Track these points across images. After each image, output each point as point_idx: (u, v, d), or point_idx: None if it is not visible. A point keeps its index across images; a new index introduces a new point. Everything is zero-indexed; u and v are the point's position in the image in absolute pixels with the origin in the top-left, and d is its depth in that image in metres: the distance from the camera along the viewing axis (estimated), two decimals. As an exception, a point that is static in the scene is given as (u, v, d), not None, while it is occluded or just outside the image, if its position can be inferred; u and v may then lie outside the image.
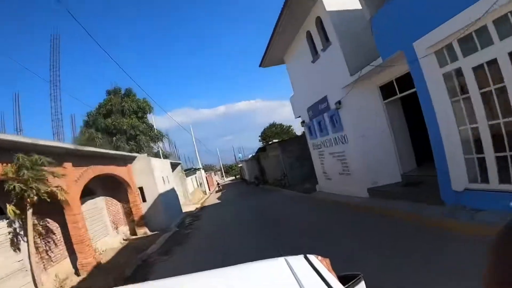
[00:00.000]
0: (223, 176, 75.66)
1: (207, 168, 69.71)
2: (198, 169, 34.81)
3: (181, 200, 22.90)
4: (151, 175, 13.81)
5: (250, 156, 34.05)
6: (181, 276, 1.70)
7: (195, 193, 27.65)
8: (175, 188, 19.72)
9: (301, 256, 1.38)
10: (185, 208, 20.16)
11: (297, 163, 18.30)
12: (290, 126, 48.74)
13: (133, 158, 13.72)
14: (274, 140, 25.60)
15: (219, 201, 23.01)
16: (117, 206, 13.25)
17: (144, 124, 21.24)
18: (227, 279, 1.46)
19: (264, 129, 51.39)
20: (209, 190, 41.69)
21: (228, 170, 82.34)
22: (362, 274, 1.39)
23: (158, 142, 21.48)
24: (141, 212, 13.41)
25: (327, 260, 1.42)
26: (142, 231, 13.10)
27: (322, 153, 11.89)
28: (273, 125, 51.31)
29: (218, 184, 45.36)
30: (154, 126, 21.70)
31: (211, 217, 15.00)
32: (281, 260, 1.38)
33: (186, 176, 24.56)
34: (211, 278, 1.54)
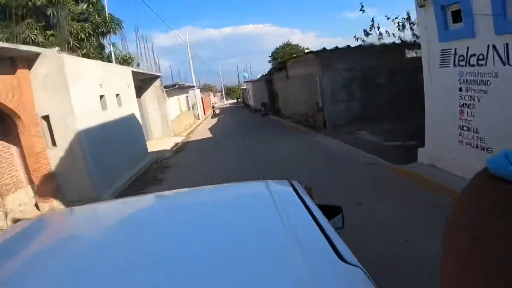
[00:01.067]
0: (223, 99, 68.02)
1: (206, 88, 61.74)
2: (191, 87, 27.15)
3: (157, 130, 16.01)
4: (65, 93, 6.48)
5: (259, 76, 25.96)
6: (168, 191, 1.97)
7: (182, 118, 20.68)
8: (143, 114, 12.58)
9: (286, 181, 1.37)
10: (158, 145, 13.36)
11: (345, 92, 10.78)
12: (308, 49, 39.34)
13: (32, 56, 6.21)
14: (307, 49, 17.32)
15: (210, 136, 16.22)
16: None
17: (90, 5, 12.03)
18: (210, 194, 1.54)
19: (275, 49, 42.05)
20: (204, 114, 34.78)
21: (229, 92, 74.18)
22: (341, 207, 1.43)
23: (108, 35, 12.64)
24: (46, 167, 6.53)
25: (312, 189, 1.39)
26: (49, 205, 6.42)
27: (486, 80, 4.33)
28: (287, 45, 41.80)
29: (213, 107, 38.23)
30: (106, 9, 12.51)
31: (189, 173, 8.15)
32: (265, 182, 1.38)
33: (169, 96, 17.16)
34: (194, 193, 1.62)
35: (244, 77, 32.32)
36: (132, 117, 10.12)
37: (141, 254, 0.93)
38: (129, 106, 9.96)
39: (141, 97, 16.05)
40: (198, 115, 28.58)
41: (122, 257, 0.93)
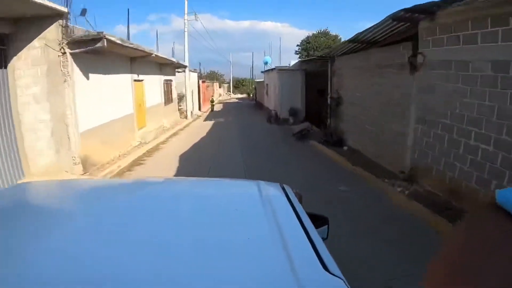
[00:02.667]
0: (229, 91, 57.64)
1: (210, 77, 51.40)
2: (181, 67, 16.90)
3: (45, 153, 5.78)
4: None
5: (292, 63, 15.45)
6: (158, 178, 2.30)
7: (140, 120, 10.53)
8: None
9: (277, 184, 1.37)
10: None
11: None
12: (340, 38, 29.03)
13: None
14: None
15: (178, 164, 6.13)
16: None
17: None
18: (199, 186, 1.49)
19: (307, 38, 31.73)
20: (200, 110, 24.59)
21: (238, 84, 63.80)
22: (328, 217, 1.41)
23: None
24: None
25: (300, 195, 1.39)
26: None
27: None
28: (324, 34, 31.45)
29: (212, 102, 27.98)
30: None
31: None
32: (257, 182, 1.35)
33: (91, 71, 6.86)
34: (183, 184, 1.59)
35: (266, 63, 21.61)
36: None
37: (114, 235, 0.90)
38: None
39: (8, 64, 6.07)
40: (187, 113, 18.31)
41: (89, 235, 0.90)
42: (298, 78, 14.66)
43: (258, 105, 29.08)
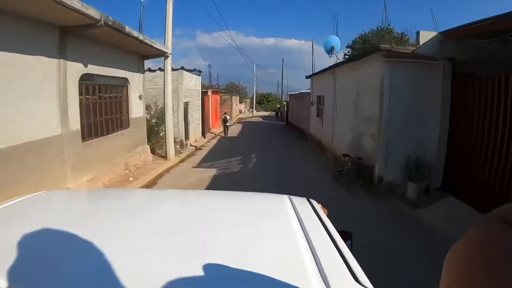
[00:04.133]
0: (252, 108, 49.08)
1: (230, 89, 43.44)
2: (156, 54, 8.07)
3: None
4: None
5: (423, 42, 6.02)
6: (185, 191, 2.38)
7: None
8: None
9: (304, 198, 1.40)
10: None
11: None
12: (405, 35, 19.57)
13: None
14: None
15: None
16: None
17: None
18: (227, 199, 1.49)
19: (361, 36, 22.52)
20: (204, 134, 15.90)
21: (262, 100, 55.33)
22: (351, 232, 1.43)
23: None
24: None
25: (326, 209, 1.41)
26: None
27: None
28: (387, 31, 22.18)
29: (225, 120, 19.06)
30: None
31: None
32: (285, 197, 1.39)
33: None
34: (212, 197, 1.60)
35: (331, 50, 12.06)
36: None
37: (147, 246, 0.89)
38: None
39: None
40: (167, 148, 9.37)
41: (122, 243, 0.90)
42: (434, 82, 5.51)
43: (294, 129, 20.04)
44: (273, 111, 51.51)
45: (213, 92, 20.41)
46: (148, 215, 1.18)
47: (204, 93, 18.14)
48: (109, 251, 0.80)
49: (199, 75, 14.89)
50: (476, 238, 0.30)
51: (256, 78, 45.38)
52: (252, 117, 38.74)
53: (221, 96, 30.27)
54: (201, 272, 0.74)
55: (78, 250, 0.83)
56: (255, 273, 0.75)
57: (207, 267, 0.76)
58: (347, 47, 22.88)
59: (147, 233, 0.98)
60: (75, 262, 0.78)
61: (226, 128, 18.62)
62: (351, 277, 0.76)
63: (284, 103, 30.74)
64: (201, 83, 16.43)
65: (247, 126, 24.62)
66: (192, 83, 13.13)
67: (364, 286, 0.74)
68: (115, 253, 0.80)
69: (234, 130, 21.02)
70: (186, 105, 11.81)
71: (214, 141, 15.07)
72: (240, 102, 44.52)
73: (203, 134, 15.39)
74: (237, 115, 36.58)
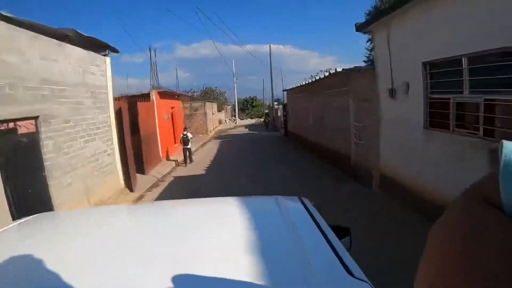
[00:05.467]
0: (234, 117, 40.91)
1: (206, 95, 35.18)
2: None
3: None
4: None
5: None
6: (175, 200, 2.39)
7: None
8: None
9: (296, 198, 1.39)
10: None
11: None
12: None
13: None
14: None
15: None
16: None
17: None
18: (219, 205, 1.51)
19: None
20: (133, 183, 7.42)
21: (246, 105, 47.31)
22: (349, 228, 1.42)
23: None
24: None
25: (319, 206, 1.36)
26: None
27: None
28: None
29: (183, 139, 10.78)
30: None
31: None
32: (275, 197, 1.39)
33: None
34: (204, 205, 1.60)
35: None
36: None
37: (141, 258, 0.90)
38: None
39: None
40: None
41: (118, 259, 0.89)
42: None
43: (304, 144, 12.03)
44: (260, 117, 43.67)
45: (166, 96, 12.20)
46: (144, 229, 1.19)
47: (139, 98, 9.91)
48: (105, 270, 0.81)
49: (106, 55, 6.68)
50: (453, 223, 0.27)
51: (236, 79, 37.39)
52: (236, 127, 30.58)
53: (190, 102, 22.07)
54: (193, 279, 0.75)
55: (73, 272, 0.82)
56: (248, 275, 0.75)
57: (197, 273, 0.77)
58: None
59: (143, 247, 0.97)
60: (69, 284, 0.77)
61: (187, 152, 10.66)
62: (345, 271, 0.76)
63: (277, 106, 22.86)
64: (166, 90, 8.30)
65: (229, 143, 16.50)
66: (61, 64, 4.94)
67: (358, 278, 0.74)
68: (110, 273, 0.81)
69: (207, 153, 12.78)
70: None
71: (151, 195, 6.89)
72: (219, 110, 36.37)
73: (130, 183, 7.07)
74: (216, 127, 28.37)
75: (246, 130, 25.74)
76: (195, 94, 32.75)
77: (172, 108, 13.21)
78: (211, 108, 25.83)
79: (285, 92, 16.40)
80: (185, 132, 11.14)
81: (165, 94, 11.96)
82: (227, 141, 17.88)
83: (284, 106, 16.78)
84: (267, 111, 32.40)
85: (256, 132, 22.99)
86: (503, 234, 0.23)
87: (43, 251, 0.92)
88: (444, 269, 0.25)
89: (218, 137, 21.40)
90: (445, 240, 0.27)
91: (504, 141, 0.25)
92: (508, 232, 0.23)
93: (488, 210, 0.25)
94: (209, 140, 19.15)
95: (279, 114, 23.20)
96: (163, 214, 1.45)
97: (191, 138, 11.22)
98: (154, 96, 10.71)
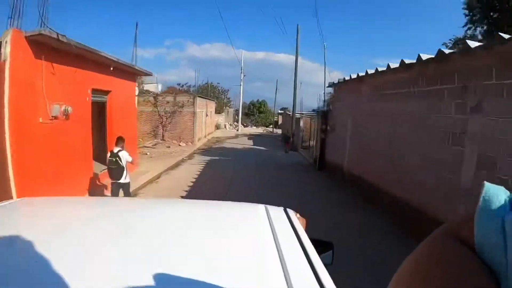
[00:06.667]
0: (236, 122, 33.73)
1: (205, 92, 28.18)
2: None
3: None
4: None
5: None
6: (159, 199, 2.31)
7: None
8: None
9: (281, 208, 1.32)
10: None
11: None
12: None
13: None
14: None
15: None
16: None
17: None
18: (200, 208, 1.47)
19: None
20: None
21: (251, 110, 40.19)
22: (333, 243, 1.42)
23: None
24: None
25: (304, 220, 1.37)
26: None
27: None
28: None
29: (113, 161, 4.34)
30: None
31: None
32: (261, 206, 1.32)
33: None
34: (188, 206, 1.55)
35: None
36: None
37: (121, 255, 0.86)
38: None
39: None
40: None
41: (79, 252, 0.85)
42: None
43: (352, 188, 4.79)
44: (267, 126, 36.56)
45: (68, 59, 5.06)
46: (118, 223, 1.13)
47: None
48: (76, 259, 0.80)
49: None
50: (425, 253, 0.29)
51: (244, 75, 30.32)
52: (237, 136, 23.41)
53: (173, 95, 15.09)
54: (161, 281, 0.72)
55: (46, 258, 0.78)
56: (217, 283, 0.73)
57: (168, 276, 0.75)
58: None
59: (114, 241, 0.94)
60: (42, 271, 0.74)
61: (118, 192, 4.69)
62: (318, 286, 0.75)
63: (305, 117, 16.05)
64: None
65: (221, 167, 9.36)
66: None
67: None
68: (82, 261, 0.79)
69: (172, 190, 5.44)
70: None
71: None
72: (219, 112, 29.37)
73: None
74: (210, 133, 21.30)
75: (249, 143, 18.63)
76: (191, 89, 25.71)
77: (101, 91, 6.12)
78: (205, 106, 18.76)
79: (321, 102, 9.30)
80: (116, 150, 4.75)
81: (63, 54, 4.79)
82: (218, 161, 10.80)
83: (324, 114, 9.67)
84: (275, 119, 25.39)
85: (264, 148, 15.89)
86: (457, 264, 0.24)
87: (15, 239, 0.89)
88: None
89: (207, 150, 14.31)
90: (408, 265, 0.29)
91: (485, 182, 0.26)
92: (463, 262, 0.24)
93: (454, 243, 0.26)
94: (191, 155, 12.06)
95: (301, 127, 16.15)
96: (147, 211, 1.37)
97: (127, 162, 4.76)
98: (9, 47, 3.69)
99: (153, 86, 18.31)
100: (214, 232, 1.07)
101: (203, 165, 9.75)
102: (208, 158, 11.45)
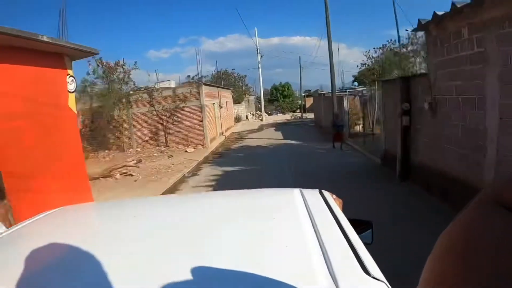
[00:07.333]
0: (259, 111, 29.78)
1: (215, 81, 24.48)
2: None
3: None
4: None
5: None
6: (192, 194, 2.41)
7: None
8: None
9: (316, 191, 1.34)
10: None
11: None
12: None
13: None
14: None
15: None
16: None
17: None
18: (236, 198, 1.49)
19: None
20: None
21: (274, 95, 36.04)
22: (372, 221, 1.40)
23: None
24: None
25: (341, 200, 1.35)
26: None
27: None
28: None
29: None
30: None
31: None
32: (296, 190, 1.33)
33: None
34: (222, 197, 1.58)
35: None
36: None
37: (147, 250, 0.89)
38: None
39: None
40: None
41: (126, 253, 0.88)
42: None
43: None
44: (294, 111, 32.34)
45: None
46: (161, 221, 1.15)
47: None
48: (122, 261, 0.82)
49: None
50: (467, 225, 0.25)
51: (261, 56, 26.21)
52: (262, 128, 19.57)
53: (172, 88, 11.61)
54: (204, 272, 0.74)
55: (91, 266, 0.80)
56: (259, 270, 0.73)
57: (211, 266, 0.76)
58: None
59: (164, 240, 0.95)
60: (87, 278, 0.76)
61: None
62: (361, 269, 0.73)
63: (371, 93, 12.04)
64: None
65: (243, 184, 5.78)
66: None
67: (374, 277, 0.72)
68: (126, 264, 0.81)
69: None
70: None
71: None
72: (238, 102, 25.66)
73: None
74: (228, 129, 17.66)
75: (279, 137, 14.69)
76: (203, 79, 22.02)
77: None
78: (217, 97, 15.05)
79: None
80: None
81: None
82: (237, 177, 7.07)
83: (404, 86, 5.53)
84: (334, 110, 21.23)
85: (299, 143, 11.94)
86: (506, 232, 0.22)
87: (63, 247, 0.93)
88: (443, 267, 0.24)
89: (222, 155, 10.62)
90: (445, 242, 0.26)
91: None
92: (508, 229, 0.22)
93: (498, 210, 0.23)
94: (198, 167, 8.46)
95: (345, 108, 12.01)
96: (181, 207, 1.39)
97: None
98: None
99: (167, 84, 15.12)
100: (252, 220, 1.09)
101: (210, 189, 6.11)
102: (221, 170, 7.79)
